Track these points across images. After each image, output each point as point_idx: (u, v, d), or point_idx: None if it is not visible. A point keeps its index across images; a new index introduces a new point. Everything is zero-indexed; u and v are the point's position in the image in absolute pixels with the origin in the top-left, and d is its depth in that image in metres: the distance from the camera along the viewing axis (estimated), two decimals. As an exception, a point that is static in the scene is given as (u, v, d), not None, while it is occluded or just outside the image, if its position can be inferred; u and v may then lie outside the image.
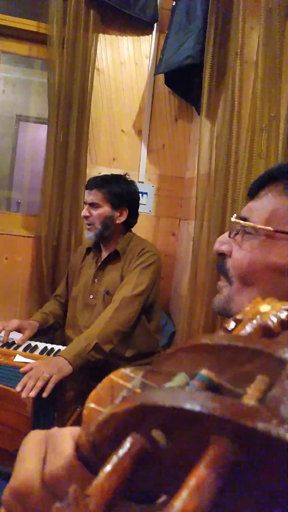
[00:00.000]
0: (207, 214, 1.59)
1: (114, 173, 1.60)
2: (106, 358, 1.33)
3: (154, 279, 1.49)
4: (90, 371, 1.33)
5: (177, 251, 2.15)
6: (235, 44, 1.40)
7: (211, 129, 1.64)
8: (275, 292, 0.49)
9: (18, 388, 1.06)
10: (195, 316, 1.61)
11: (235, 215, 0.56)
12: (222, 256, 0.57)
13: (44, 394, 1.09)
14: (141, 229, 1.69)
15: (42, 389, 1.09)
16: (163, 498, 0.22)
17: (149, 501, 0.22)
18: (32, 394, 1.05)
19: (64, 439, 0.27)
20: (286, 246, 0.49)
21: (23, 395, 1.05)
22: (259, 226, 0.51)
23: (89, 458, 0.24)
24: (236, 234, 0.55)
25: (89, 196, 1.53)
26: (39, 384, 1.08)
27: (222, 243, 0.57)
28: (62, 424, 1.17)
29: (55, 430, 0.29)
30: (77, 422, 1.22)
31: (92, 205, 1.52)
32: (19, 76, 2.76)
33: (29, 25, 1.97)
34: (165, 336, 1.92)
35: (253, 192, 0.56)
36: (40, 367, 1.13)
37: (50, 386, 1.10)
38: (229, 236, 0.56)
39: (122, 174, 1.60)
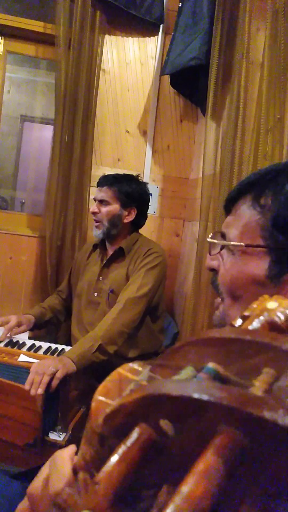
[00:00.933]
0: (212, 215, 1.59)
1: (126, 173, 1.61)
2: (110, 359, 1.33)
3: (159, 281, 1.49)
4: (93, 371, 1.33)
5: (181, 252, 2.15)
6: (241, 46, 1.40)
7: (216, 130, 1.64)
8: None
9: (27, 387, 1.08)
10: (199, 317, 1.61)
11: (211, 234, 0.58)
12: (214, 271, 0.58)
13: (50, 390, 1.10)
14: (145, 229, 1.70)
15: (49, 385, 1.11)
16: (164, 488, 0.22)
17: (157, 492, 0.22)
18: (40, 391, 1.07)
19: (64, 462, 0.32)
20: (261, 258, 0.50)
21: (32, 392, 1.07)
22: (232, 243, 0.53)
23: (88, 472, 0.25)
24: (221, 249, 0.56)
25: (100, 193, 1.54)
26: (45, 379, 1.09)
27: (212, 259, 0.58)
28: (66, 424, 1.17)
29: (57, 453, 0.34)
30: (81, 421, 1.23)
31: (102, 202, 1.53)
32: (24, 76, 2.77)
33: (35, 25, 1.97)
34: (169, 336, 1.92)
35: (228, 207, 0.57)
36: (46, 362, 1.15)
37: (56, 382, 1.12)
38: (209, 254, 0.58)
39: (134, 174, 1.61)
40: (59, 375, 1.13)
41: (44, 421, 1.10)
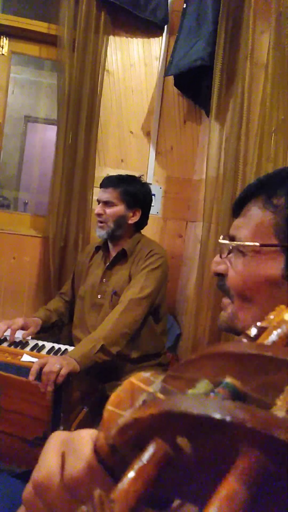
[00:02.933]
0: (215, 216, 1.59)
1: (129, 174, 1.61)
2: (113, 360, 1.33)
3: (161, 282, 1.49)
4: (96, 371, 1.33)
5: (184, 253, 2.15)
6: (245, 47, 1.40)
7: (220, 132, 1.64)
8: (274, 304, 0.50)
9: (31, 378, 1.11)
10: (201, 318, 1.60)
11: (221, 236, 0.58)
12: (221, 275, 0.58)
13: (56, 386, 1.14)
14: (148, 230, 1.70)
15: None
16: (177, 502, 0.22)
17: (164, 506, 0.22)
18: (50, 388, 1.11)
19: (84, 442, 0.27)
20: (275, 258, 0.49)
21: (42, 390, 1.11)
22: (245, 243, 0.52)
23: (107, 460, 0.24)
24: (228, 253, 0.56)
25: (104, 194, 1.53)
26: (52, 377, 1.11)
27: (218, 263, 0.58)
28: (68, 424, 1.17)
29: (74, 433, 0.29)
30: (83, 422, 1.23)
31: (107, 203, 1.52)
32: (28, 77, 2.78)
33: (40, 26, 1.98)
34: (171, 338, 1.92)
35: (236, 211, 0.57)
36: (51, 359, 1.16)
37: (61, 378, 1.13)
38: (220, 257, 0.57)
39: (137, 175, 1.61)
40: (64, 371, 1.14)
41: (53, 414, 1.11)
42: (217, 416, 0.16)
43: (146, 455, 0.19)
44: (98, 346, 1.28)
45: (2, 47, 2.04)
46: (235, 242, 0.54)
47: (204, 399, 0.18)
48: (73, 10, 1.88)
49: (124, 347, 1.38)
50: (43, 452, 0.30)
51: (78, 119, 1.93)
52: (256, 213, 0.52)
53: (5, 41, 2.04)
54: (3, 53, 2.04)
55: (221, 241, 0.56)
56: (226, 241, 0.55)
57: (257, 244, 0.51)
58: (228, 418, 0.16)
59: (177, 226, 2.16)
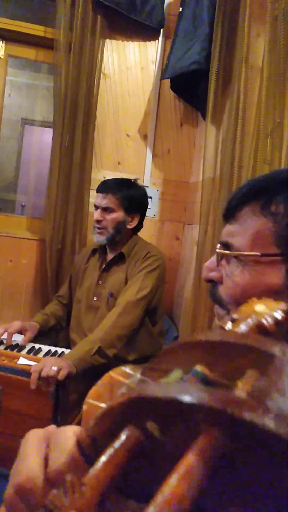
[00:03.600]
0: (212, 218, 1.60)
1: (124, 178, 1.61)
2: (110, 362, 1.33)
3: (158, 283, 1.49)
4: (93, 374, 1.33)
5: (181, 255, 2.15)
6: (241, 50, 1.41)
7: (216, 134, 1.64)
8: None
9: (32, 386, 1.11)
10: (199, 320, 1.61)
11: (218, 245, 0.55)
12: (213, 283, 0.56)
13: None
14: (145, 233, 1.70)
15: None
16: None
17: (149, 499, 0.22)
18: (50, 389, 1.13)
19: (67, 437, 0.27)
20: (275, 267, 0.49)
21: (44, 389, 1.13)
22: (246, 253, 0.51)
23: (89, 453, 0.25)
24: (224, 261, 0.54)
25: (103, 200, 1.52)
26: (52, 380, 1.12)
27: (210, 269, 0.56)
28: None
29: (57, 429, 0.30)
30: (80, 424, 1.23)
31: (106, 209, 1.52)
32: (25, 80, 2.79)
33: (36, 30, 1.99)
34: (168, 340, 1.92)
35: (229, 215, 0.54)
36: (47, 361, 1.17)
37: (60, 378, 1.13)
38: (217, 265, 0.55)
39: (132, 179, 1.61)
40: (62, 373, 1.14)
41: (54, 412, 1.12)
42: (178, 397, 0.17)
43: (118, 442, 0.19)
44: (95, 348, 1.28)
45: (-1, 50, 2.04)
46: (235, 252, 0.52)
47: (170, 385, 0.19)
48: (70, 13, 1.89)
49: (121, 349, 1.38)
50: (20, 452, 0.30)
51: (75, 122, 1.93)
52: (253, 220, 0.51)
53: (1, 45, 2.04)
54: (-1, 56, 2.05)
55: (219, 250, 0.54)
56: (227, 251, 0.53)
57: (258, 254, 0.50)
58: (187, 398, 0.17)
59: (174, 228, 2.16)
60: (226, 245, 0.53)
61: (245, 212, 0.52)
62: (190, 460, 0.16)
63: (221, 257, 0.54)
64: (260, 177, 0.54)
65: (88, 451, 0.24)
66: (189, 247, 2.00)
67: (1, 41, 2.04)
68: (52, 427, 0.31)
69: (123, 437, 0.19)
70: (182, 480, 0.15)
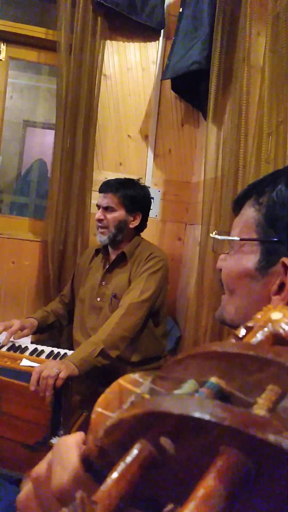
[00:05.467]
0: (214, 219, 1.59)
1: (127, 178, 1.61)
2: (113, 363, 1.33)
3: (161, 285, 1.49)
4: (96, 375, 1.33)
5: (183, 256, 2.15)
6: (242, 50, 1.41)
7: (217, 134, 1.64)
8: (251, 296, 0.52)
9: (32, 388, 1.11)
10: (202, 321, 1.60)
11: (214, 231, 0.62)
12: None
13: (55, 389, 1.14)
14: (147, 233, 1.70)
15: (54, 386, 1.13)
16: (169, 506, 0.22)
17: (156, 509, 0.22)
18: (48, 393, 1.11)
19: (69, 449, 0.27)
20: (252, 252, 0.52)
21: (41, 395, 1.11)
22: (229, 238, 0.56)
23: (96, 464, 0.24)
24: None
25: (104, 199, 1.53)
26: (50, 382, 1.11)
27: (221, 259, 0.60)
28: (68, 428, 1.17)
29: (60, 440, 0.29)
30: (83, 426, 1.22)
31: (107, 209, 1.52)
32: (27, 82, 2.79)
33: (37, 32, 1.99)
34: (171, 341, 1.91)
35: (236, 209, 0.59)
36: (49, 364, 1.16)
37: (60, 382, 1.13)
38: (213, 250, 0.61)
39: (135, 179, 1.61)
40: (62, 375, 1.14)
41: (53, 418, 1.11)
42: (196, 415, 0.16)
43: (130, 456, 0.18)
44: (97, 350, 1.28)
45: (0, 53, 2.05)
46: (220, 237, 0.58)
47: (186, 399, 0.18)
48: (70, 15, 1.89)
49: (125, 351, 1.38)
50: (58, 455, 0.29)
51: (76, 123, 1.93)
52: (246, 212, 0.55)
53: (3, 47, 2.05)
54: (1, 58, 2.05)
55: (212, 235, 0.61)
56: (217, 236, 0.59)
57: (237, 238, 0.55)
58: (206, 417, 0.16)
59: (176, 228, 2.16)
60: (229, 236, 0.58)
61: (245, 206, 0.56)
62: (210, 483, 0.15)
63: (221, 243, 0.60)
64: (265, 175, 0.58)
65: (95, 461, 0.23)
66: (191, 247, 2.00)
67: (2, 44, 2.04)
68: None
69: (135, 451, 0.18)
70: (201, 504, 0.15)
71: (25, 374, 1.15)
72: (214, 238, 0.61)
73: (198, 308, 1.62)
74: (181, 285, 2.13)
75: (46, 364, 1.15)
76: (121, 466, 0.18)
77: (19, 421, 1.12)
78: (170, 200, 2.13)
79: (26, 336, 1.45)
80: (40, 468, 0.29)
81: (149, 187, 2.05)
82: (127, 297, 1.43)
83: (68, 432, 1.16)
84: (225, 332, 1.45)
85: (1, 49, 2.05)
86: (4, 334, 1.39)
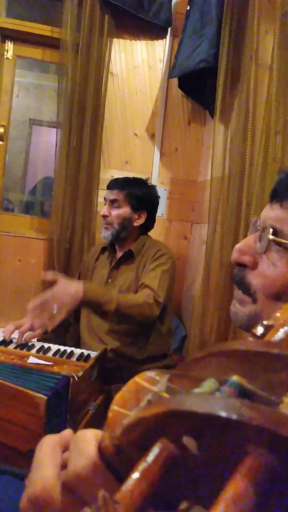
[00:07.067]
0: (220, 217, 1.59)
1: (136, 177, 1.62)
2: (121, 363, 1.32)
3: (171, 283, 1.50)
4: (102, 373, 1.33)
5: (189, 255, 2.15)
6: (250, 48, 1.40)
7: (224, 133, 1.63)
8: None
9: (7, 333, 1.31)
10: (207, 320, 1.60)
11: (271, 230, 0.48)
12: (242, 267, 0.51)
13: (49, 329, 1.32)
14: (153, 232, 1.70)
15: (53, 388, 1.11)
16: (183, 505, 0.22)
17: (170, 508, 0.22)
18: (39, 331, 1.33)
19: (88, 441, 0.27)
20: None
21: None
22: None
23: (112, 461, 0.24)
24: (264, 246, 0.48)
25: (110, 195, 1.55)
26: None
27: (243, 252, 0.51)
28: (74, 426, 1.17)
29: (78, 433, 0.29)
30: (89, 424, 1.22)
31: (113, 202, 1.53)
32: (33, 80, 2.79)
33: (43, 30, 1.99)
34: (177, 340, 1.91)
35: (281, 197, 0.48)
36: (57, 293, 1.33)
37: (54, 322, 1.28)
38: (259, 250, 0.49)
39: (143, 178, 1.62)
40: (57, 317, 1.28)
41: (47, 427, 1.08)
42: (223, 414, 0.16)
43: (151, 456, 0.18)
44: (108, 305, 1.29)
45: (7, 51, 2.05)
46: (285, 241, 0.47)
47: (209, 398, 0.18)
48: (77, 13, 1.89)
49: (131, 349, 1.38)
50: (35, 460, 0.29)
51: (83, 121, 1.93)
52: None
53: (9, 45, 2.05)
54: (7, 57, 2.05)
55: (271, 236, 0.47)
56: (280, 239, 0.47)
57: None
58: (234, 416, 0.16)
59: (182, 227, 2.15)
60: (273, 229, 0.48)
61: None
62: (238, 484, 0.15)
63: (267, 242, 0.48)
64: None
65: (111, 459, 0.23)
66: (198, 246, 1.99)
67: (9, 42, 2.05)
68: (68, 432, 0.30)
69: (156, 450, 0.18)
70: (231, 506, 0.15)
71: (21, 377, 1.13)
72: (270, 238, 0.47)
73: (204, 308, 1.62)
74: (186, 284, 2.12)
75: (57, 291, 1.32)
76: (143, 465, 0.18)
77: (13, 426, 1.09)
78: (176, 199, 2.13)
79: (38, 336, 1.44)
80: (37, 485, 0.27)
81: (155, 186, 2.05)
82: (140, 294, 1.41)
83: (75, 430, 1.15)
84: (231, 332, 1.45)
85: (8, 48, 2.05)
86: (16, 332, 1.39)
